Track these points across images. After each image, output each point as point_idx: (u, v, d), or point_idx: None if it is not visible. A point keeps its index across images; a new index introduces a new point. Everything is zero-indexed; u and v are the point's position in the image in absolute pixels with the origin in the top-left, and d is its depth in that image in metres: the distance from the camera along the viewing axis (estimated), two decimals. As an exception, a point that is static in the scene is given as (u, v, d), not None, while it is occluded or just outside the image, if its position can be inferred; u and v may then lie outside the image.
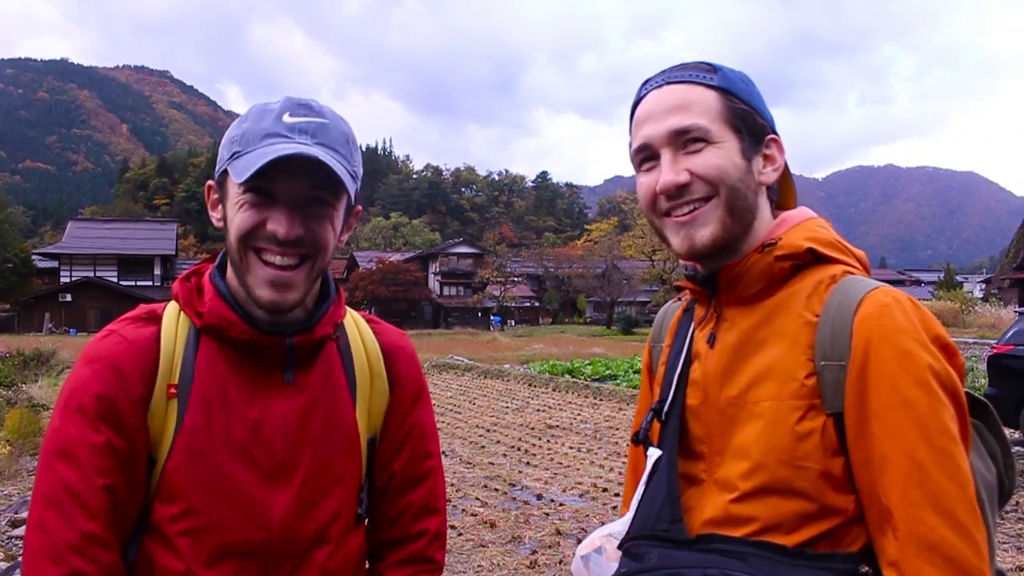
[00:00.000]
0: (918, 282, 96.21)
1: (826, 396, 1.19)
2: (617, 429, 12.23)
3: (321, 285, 1.44)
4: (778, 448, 1.20)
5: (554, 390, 17.41)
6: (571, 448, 10.72)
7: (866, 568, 1.16)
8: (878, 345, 1.16)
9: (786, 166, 1.38)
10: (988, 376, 11.87)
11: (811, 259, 1.29)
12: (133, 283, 64.60)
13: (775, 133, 1.35)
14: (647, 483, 1.32)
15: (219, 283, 1.38)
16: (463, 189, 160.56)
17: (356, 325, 1.53)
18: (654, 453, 1.34)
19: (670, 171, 1.27)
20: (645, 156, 1.32)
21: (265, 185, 1.28)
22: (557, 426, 12.57)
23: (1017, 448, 10.12)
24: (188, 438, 1.31)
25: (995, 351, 11.65)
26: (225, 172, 1.33)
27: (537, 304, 77.96)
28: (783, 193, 1.42)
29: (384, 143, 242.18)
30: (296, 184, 1.29)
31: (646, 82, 1.35)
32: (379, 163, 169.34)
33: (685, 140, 1.27)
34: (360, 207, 1.48)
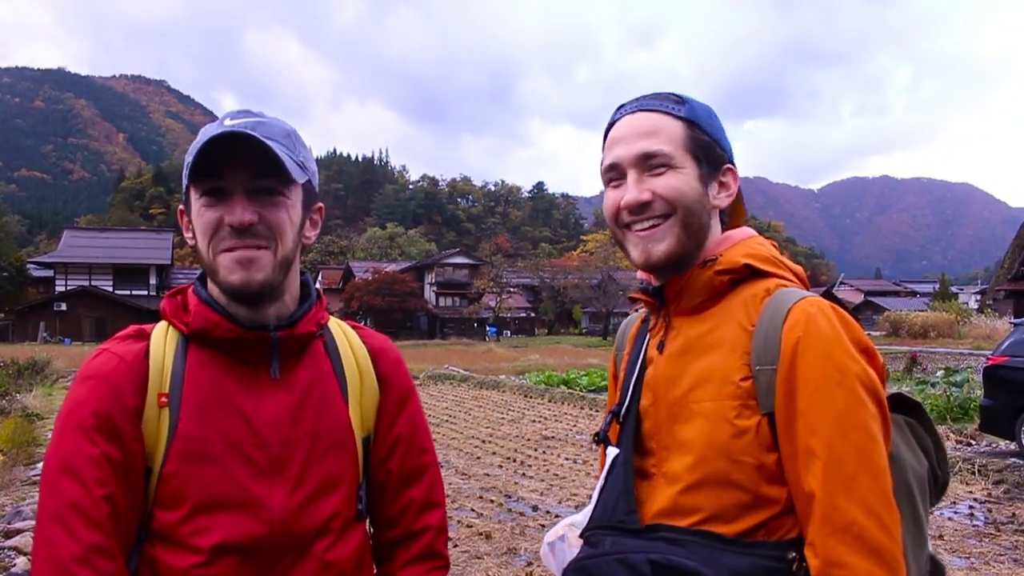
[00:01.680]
0: (913, 293, 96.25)
1: (760, 397, 1.33)
2: (613, 440, 12.20)
3: (302, 288, 1.51)
4: (718, 444, 1.33)
5: (550, 401, 17.39)
6: (567, 459, 10.71)
7: (793, 554, 1.29)
8: (803, 350, 1.30)
9: (739, 191, 1.53)
10: (983, 387, 11.87)
11: (748, 273, 1.42)
12: (128, 292, 64.40)
13: (732, 163, 1.49)
14: (606, 479, 1.46)
15: (201, 292, 1.45)
16: (459, 200, 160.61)
17: (341, 329, 1.59)
18: (612, 451, 1.48)
19: (635, 189, 1.41)
20: (614, 175, 1.46)
21: (216, 184, 1.36)
22: (553, 437, 12.55)
23: (1014, 459, 10.12)
24: (183, 443, 1.35)
25: (990, 362, 11.64)
26: (188, 191, 1.41)
27: (533, 315, 78.02)
28: (735, 215, 1.57)
29: (381, 153, 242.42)
30: (243, 175, 1.35)
31: (621, 107, 1.49)
32: (375, 173, 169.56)
33: (650, 163, 1.41)
34: (322, 205, 1.53)
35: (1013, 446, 11.11)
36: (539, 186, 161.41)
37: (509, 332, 69.75)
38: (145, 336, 1.43)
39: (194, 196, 1.39)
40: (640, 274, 1.57)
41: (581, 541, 1.47)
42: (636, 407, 1.48)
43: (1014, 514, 7.93)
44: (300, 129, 1.45)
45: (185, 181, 1.39)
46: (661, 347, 1.47)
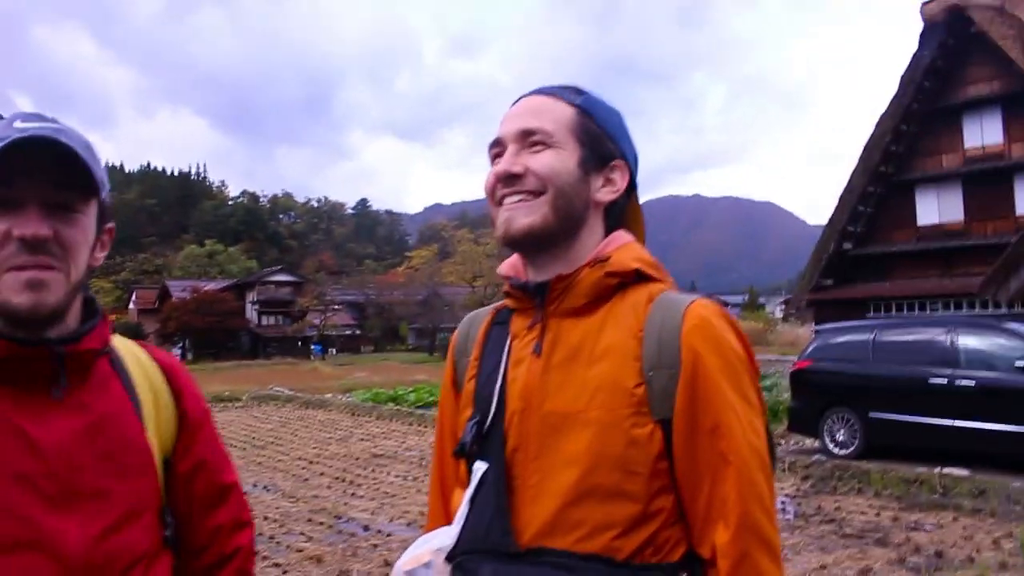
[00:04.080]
0: (726, 304, 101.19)
1: (654, 404, 1.28)
2: (443, 456, 12.19)
3: (85, 305, 1.35)
4: (610, 455, 1.26)
5: (378, 418, 17.20)
6: (397, 476, 10.62)
7: (685, 575, 1.29)
8: (706, 356, 1.28)
9: (638, 203, 1.48)
10: (791, 390, 12.70)
11: (635, 278, 1.36)
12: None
13: (627, 163, 1.43)
14: (473, 496, 1.33)
15: None
16: (281, 216, 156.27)
17: (128, 347, 1.44)
18: (480, 465, 1.34)
19: (508, 160, 1.37)
20: (498, 150, 1.41)
21: (5, 193, 1.20)
22: (382, 455, 12.42)
23: (818, 456, 10.91)
24: None
25: (796, 367, 12.49)
26: None
27: (359, 332, 76.70)
28: (631, 225, 1.49)
29: (198, 168, 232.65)
30: (40, 185, 1.21)
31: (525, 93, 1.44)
32: (193, 189, 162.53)
33: (530, 140, 1.37)
34: (113, 225, 1.39)
35: (817, 444, 11.89)
36: (363, 202, 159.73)
37: (335, 350, 68.30)
38: None
39: None
40: (505, 270, 1.46)
41: (448, 567, 1.35)
42: (502, 416, 1.36)
43: (820, 506, 8.50)
44: (107, 139, 1.29)
45: None
46: (538, 350, 1.36)
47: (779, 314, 75.64)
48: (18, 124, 1.22)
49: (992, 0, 22.51)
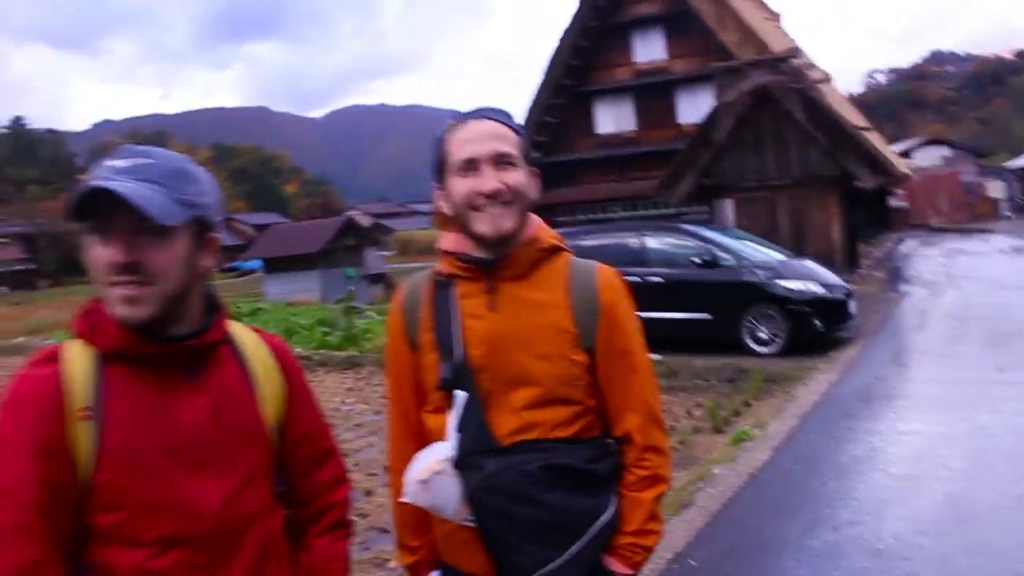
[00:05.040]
0: (415, 213, 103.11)
1: (583, 338, 1.83)
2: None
3: (208, 299, 1.61)
4: (559, 375, 1.81)
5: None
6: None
7: (610, 440, 1.89)
8: (617, 301, 1.89)
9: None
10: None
11: (554, 249, 1.90)
12: None
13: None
14: (461, 417, 1.79)
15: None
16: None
17: (243, 331, 1.72)
18: (461, 394, 1.80)
19: (493, 180, 1.77)
20: (469, 167, 1.79)
21: (100, 224, 1.45)
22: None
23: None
24: (111, 452, 1.44)
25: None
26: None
27: (34, 267, 69.59)
28: None
29: None
30: (121, 218, 1.44)
31: (465, 115, 1.85)
32: None
33: (502, 161, 1.80)
34: (218, 235, 1.61)
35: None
36: (18, 121, 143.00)
37: (7, 289, 61.81)
38: (56, 357, 1.47)
39: (85, 231, 1.45)
40: (453, 246, 1.88)
41: (455, 472, 1.76)
42: (466, 356, 1.81)
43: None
44: None
45: (70, 216, 1.43)
46: (494, 306, 1.82)
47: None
48: (111, 162, 1.47)
49: (654, -72, 24.57)
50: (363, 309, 20.91)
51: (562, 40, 26.79)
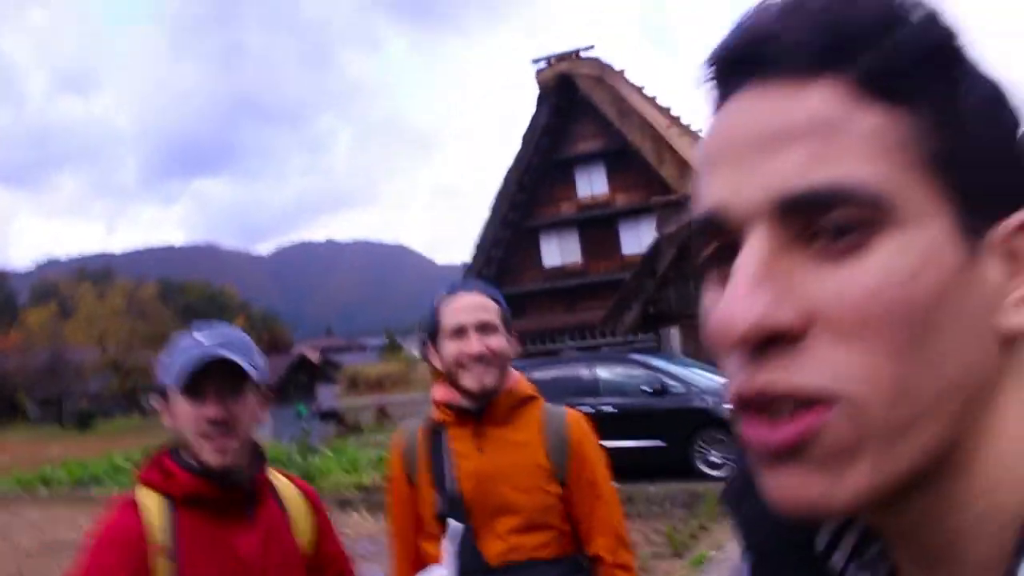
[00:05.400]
0: (363, 347, 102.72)
1: (556, 472, 2.17)
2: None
3: (253, 449, 1.94)
4: (537, 505, 2.14)
5: (35, 505, 15.99)
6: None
7: (580, 558, 2.18)
8: (585, 441, 2.24)
9: None
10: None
11: (529, 398, 2.27)
12: None
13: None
14: (459, 544, 2.10)
15: (183, 463, 1.84)
16: None
17: (275, 475, 2.05)
18: (456, 524, 2.11)
19: (479, 345, 2.13)
20: (459, 333, 2.15)
21: (195, 386, 1.79)
22: (59, 543, 11.76)
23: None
24: None
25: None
26: (165, 387, 1.84)
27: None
28: None
29: None
30: (215, 381, 1.80)
31: (456, 286, 2.26)
32: None
33: (486, 328, 2.16)
34: (267, 392, 1.97)
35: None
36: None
37: (-62, 432, 59.90)
38: (136, 504, 1.78)
39: (175, 395, 1.79)
40: (440, 396, 2.23)
41: None
42: (459, 491, 2.14)
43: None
44: None
45: (174, 385, 1.78)
46: (480, 448, 2.17)
47: (417, 353, 78.69)
48: (198, 336, 1.83)
49: (592, 71, 25.96)
50: (318, 448, 20.83)
51: (507, 176, 27.85)
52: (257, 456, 1.96)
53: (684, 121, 27.54)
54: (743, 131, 0.53)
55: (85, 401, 60.80)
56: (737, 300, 0.49)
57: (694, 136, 30.37)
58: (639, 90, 26.35)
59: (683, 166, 24.40)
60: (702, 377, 12.75)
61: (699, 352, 17.97)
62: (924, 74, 0.51)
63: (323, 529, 2.08)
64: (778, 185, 0.50)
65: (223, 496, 1.84)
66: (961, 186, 0.50)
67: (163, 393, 1.87)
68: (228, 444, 1.80)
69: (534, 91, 27.23)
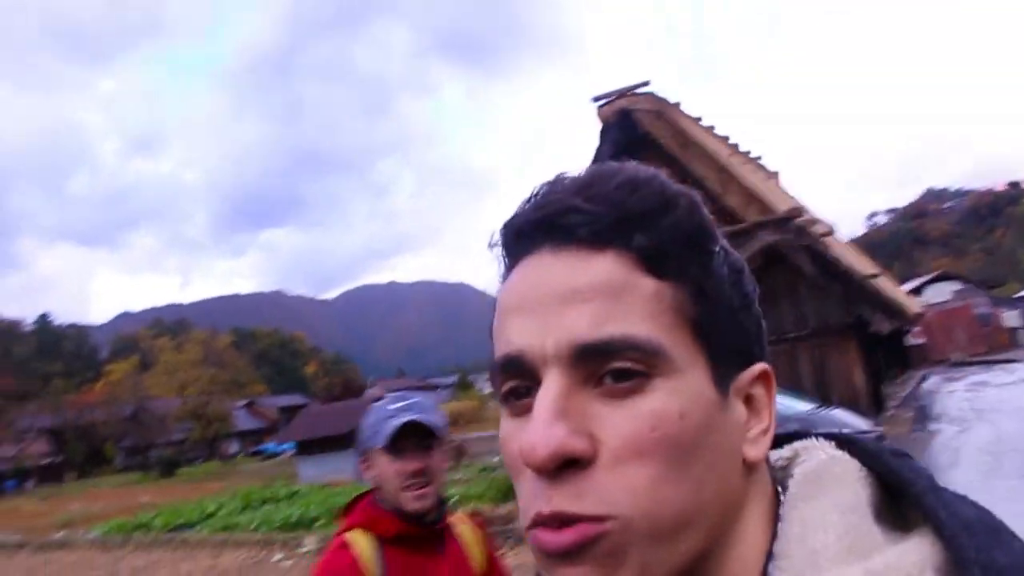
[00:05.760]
0: (435, 387, 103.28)
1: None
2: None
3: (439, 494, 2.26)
4: None
5: (136, 549, 16.59)
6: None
7: None
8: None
9: None
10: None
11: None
12: None
13: None
14: None
15: (389, 508, 2.16)
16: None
17: (458, 520, 2.37)
18: None
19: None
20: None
21: (396, 446, 2.13)
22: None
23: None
24: None
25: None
26: (367, 449, 2.18)
27: (60, 459, 70.11)
28: None
29: None
30: (411, 440, 2.14)
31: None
32: None
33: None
34: (447, 442, 2.30)
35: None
36: (44, 318, 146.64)
37: (31, 483, 61.96)
38: (348, 544, 2.11)
39: (379, 455, 2.12)
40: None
41: None
42: None
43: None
44: None
45: (378, 447, 2.11)
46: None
47: (488, 391, 78.79)
48: (392, 406, 2.17)
49: (651, 105, 26.25)
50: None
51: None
52: (442, 499, 2.27)
53: (742, 149, 27.57)
54: (542, 288, 0.63)
55: (169, 449, 62.21)
56: (539, 430, 0.58)
57: (755, 164, 30.43)
58: (696, 121, 26.50)
59: (747, 195, 24.42)
60: (780, 404, 12.77)
61: (775, 378, 17.94)
62: (686, 253, 0.64)
63: (490, 555, 2.39)
64: (573, 335, 0.60)
65: (422, 534, 2.16)
66: (713, 344, 0.64)
67: (364, 453, 2.21)
68: (426, 491, 2.13)
69: (591, 127, 27.60)
